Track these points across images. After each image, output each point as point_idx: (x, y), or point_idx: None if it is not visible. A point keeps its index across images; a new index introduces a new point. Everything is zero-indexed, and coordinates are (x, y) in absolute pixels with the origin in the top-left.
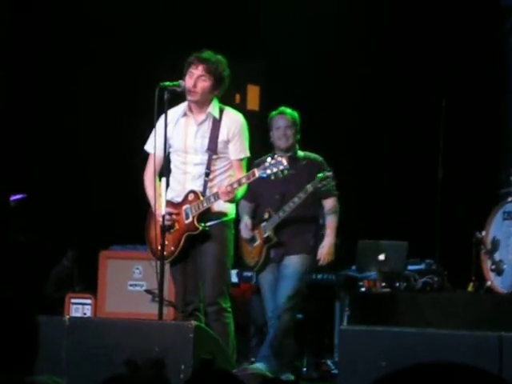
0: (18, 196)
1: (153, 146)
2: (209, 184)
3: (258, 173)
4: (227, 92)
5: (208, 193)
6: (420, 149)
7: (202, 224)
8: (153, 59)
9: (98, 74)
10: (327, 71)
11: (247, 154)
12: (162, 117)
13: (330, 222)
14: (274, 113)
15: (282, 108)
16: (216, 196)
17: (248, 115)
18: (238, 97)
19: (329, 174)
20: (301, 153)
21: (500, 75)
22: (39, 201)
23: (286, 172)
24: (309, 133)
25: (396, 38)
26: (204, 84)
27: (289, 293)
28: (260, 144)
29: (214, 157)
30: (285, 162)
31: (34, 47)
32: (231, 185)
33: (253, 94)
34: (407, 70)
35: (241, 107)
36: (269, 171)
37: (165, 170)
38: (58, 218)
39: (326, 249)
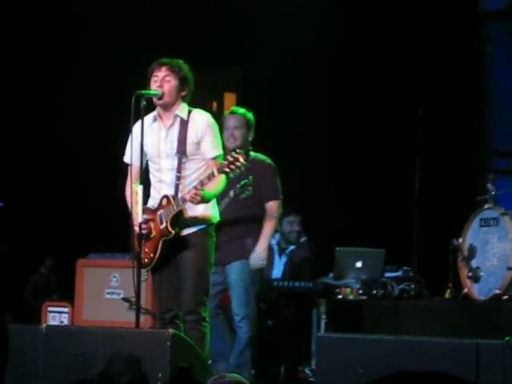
0: None
1: (128, 156)
2: (180, 187)
3: (217, 172)
4: (204, 99)
5: (179, 196)
6: (397, 157)
7: (176, 228)
8: (127, 68)
9: (80, 85)
10: (303, 79)
11: (220, 151)
12: (136, 126)
13: (266, 226)
14: (226, 112)
15: (235, 108)
16: (183, 199)
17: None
18: (214, 104)
19: (248, 181)
20: (252, 154)
21: (476, 83)
22: (16, 209)
23: (242, 168)
24: (285, 140)
25: (372, 46)
26: (170, 84)
27: (236, 303)
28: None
29: (184, 160)
30: (241, 158)
31: (16, 57)
32: (195, 187)
33: (229, 102)
34: (383, 80)
35: (218, 115)
36: (227, 169)
37: (144, 179)
38: (35, 226)
39: (256, 253)
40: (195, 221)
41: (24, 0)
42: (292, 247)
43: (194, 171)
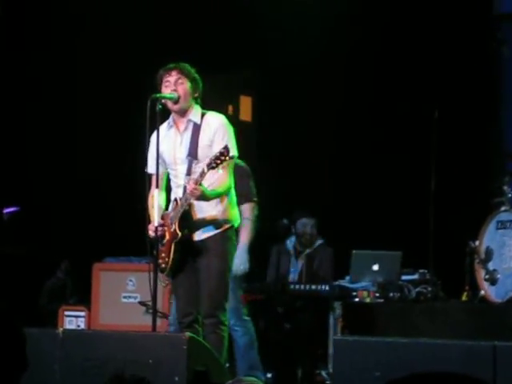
0: (11, 209)
1: (150, 166)
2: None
3: (206, 169)
4: (219, 103)
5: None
6: (413, 159)
7: (185, 230)
8: (146, 73)
9: (92, 87)
10: (320, 82)
11: (234, 152)
12: (154, 135)
13: (244, 230)
14: None
15: None
16: (186, 197)
17: (241, 126)
18: (230, 108)
19: None
20: None
21: (492, 85)
22: (33, 213)
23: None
24: (302, 143)
25: (388, 49)
26: (184, 86)
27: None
28: (254, 155)
29: (195, 162)
30: (226, 153)
31: (24, 58)
32: (194, 182)
33: (245, 105)
34: (399, 82)
35: (233, 118)
36: (213, 164)
37: (166, 185)
38: (51, 230)
39: (237, 259)
40: (211, 224)
41: (32, 5)
42: (308, 250)
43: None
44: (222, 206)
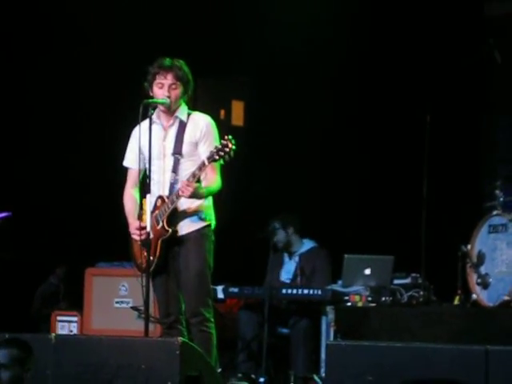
0: (3, 214)
1: (128, 159)
2: (175, 188)
3: (207, 161)
4: (212, 107)
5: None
6: (405, 163)
7: (172, 227)
8: (137, 74)
9: (85, 92)
10: (311, 86)
11: None
12: (135, 130)
13: None
14: None
15: None
16: (177, 194)
17: (233, 131)
18: (222, 112)
19: None
20: None
21: (484, 90)
22: (25, 219)
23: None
24: (293, 147)
25: (380, 53)
26: (176, 92)
27: None
28: (245, 159)
29: (181, 160)
30: (230, 144)
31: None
32: (188, 179)
33: (237, 110)
34: (391, 86)
35: (225, 123)
36: (216, 156)
37: (147, 186)
38: (44, 235)
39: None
40: (191, 219)
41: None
42: (300, 250)
43: (189, 172)
44: (202, 202)
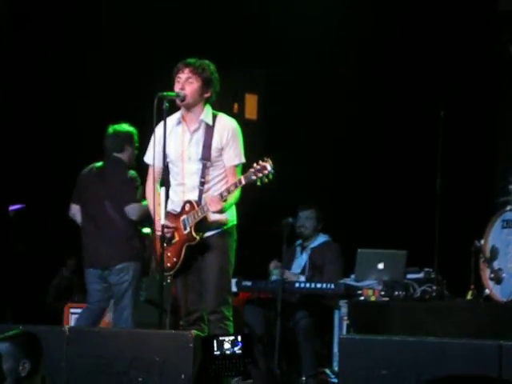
0: (17, 206)
1: (151, 156)
2: (204, 193)
3: (244, 180)
4: (225, 101)
5: (203, 202)
6: (419, 158)
7: (200, 233)
8: (152, 69)
9: (98, 85)
10: (326, 81)
11: (242, 160)
12: (159, 127)
13: None
14: None
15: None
16: (206, 208)
17: (246, 124)
18: (236, 106)
19: None
20: None
21: (498, 85)
22: (38, 210)
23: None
24: (307, 140)
25: (395, 49)
26: (192, 86)
27: None
28: (258, 153)
29: (209, 165)
30: (269, 166)
31: (32, 58)
32: (220, 194)
33: (251, 103)
34: (405, 81)
35: (239, 116)
36: (254, 177)
37: (166, 181)
38: (57, 227)
39: None
40: (215, 224)
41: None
42: (311, 244)
43: (214, 177)
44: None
